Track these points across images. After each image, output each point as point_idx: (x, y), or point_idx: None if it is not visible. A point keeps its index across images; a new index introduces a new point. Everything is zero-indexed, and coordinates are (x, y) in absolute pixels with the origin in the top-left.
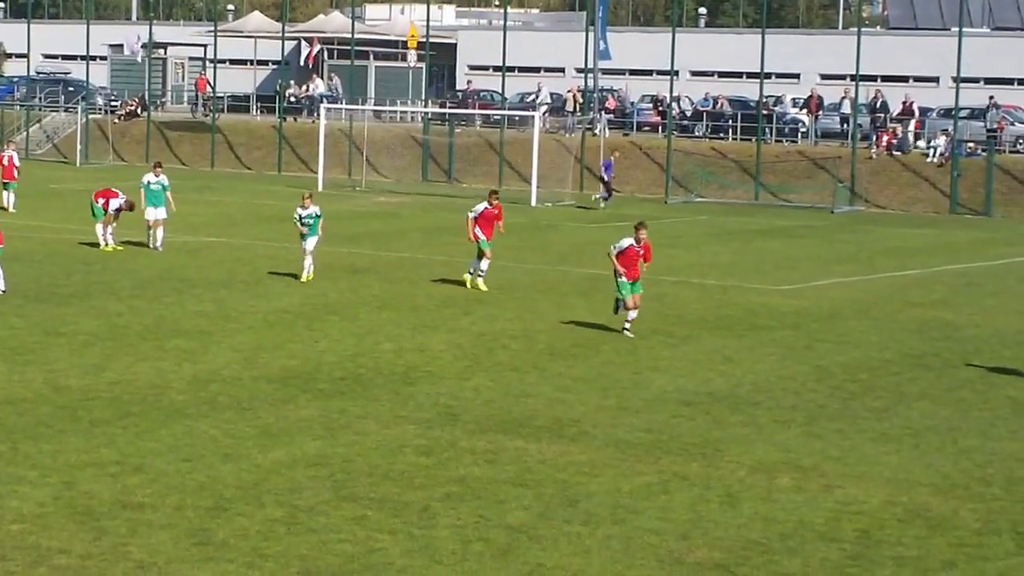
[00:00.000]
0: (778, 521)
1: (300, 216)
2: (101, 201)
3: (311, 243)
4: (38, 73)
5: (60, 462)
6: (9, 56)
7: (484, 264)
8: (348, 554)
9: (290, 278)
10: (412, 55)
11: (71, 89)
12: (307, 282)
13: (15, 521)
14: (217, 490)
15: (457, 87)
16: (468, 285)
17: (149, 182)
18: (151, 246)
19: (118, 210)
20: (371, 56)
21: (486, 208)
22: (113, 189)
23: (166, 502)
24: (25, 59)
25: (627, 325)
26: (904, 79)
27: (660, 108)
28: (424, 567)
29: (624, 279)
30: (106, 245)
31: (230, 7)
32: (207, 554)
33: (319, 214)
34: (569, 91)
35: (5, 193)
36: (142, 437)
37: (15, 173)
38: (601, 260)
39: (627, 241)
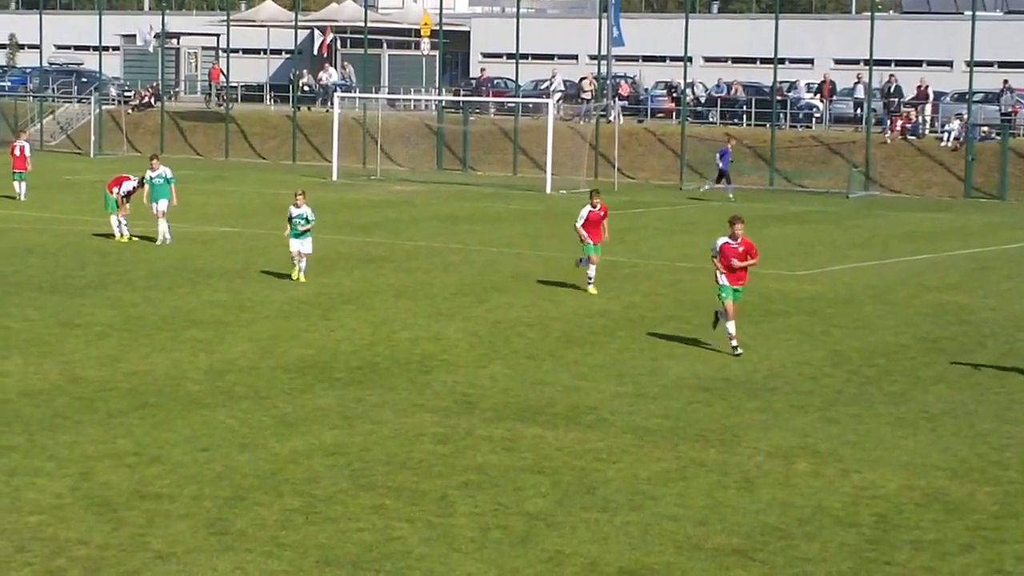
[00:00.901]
0: (796, 506)
1: (291, 215)
2: (115, 191)
3: (300, 245)
4: (51, 64)
5: (77, 453)
6: (22, 47)
7: (591, 270)
8: (366, 543)
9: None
10: (425, 43)
11: (84, 80)
12: (298, 281)
13: (33, 512)
14: (235, 480)
15: (471, 75)
16: (593, 292)
17: (151, 177)
18: (158, 241)
19: (129, 193)
20: (384, 44)
21: (591, 211)
22: (124, 175)
23: (184, 492)
24: (38, 50)
25: (734, 343)
26: (918, 63)
27: (674, 94)
28: (442, 555)
29: (726, 283)
30: (121, 236)
31: None
32: (225, 544)
33: (311, 218)
34: (583, 78)
35: (16, 183)
36: (159, 427)
37: (26, 164)
38: (616, 246)
39: (721, 240)
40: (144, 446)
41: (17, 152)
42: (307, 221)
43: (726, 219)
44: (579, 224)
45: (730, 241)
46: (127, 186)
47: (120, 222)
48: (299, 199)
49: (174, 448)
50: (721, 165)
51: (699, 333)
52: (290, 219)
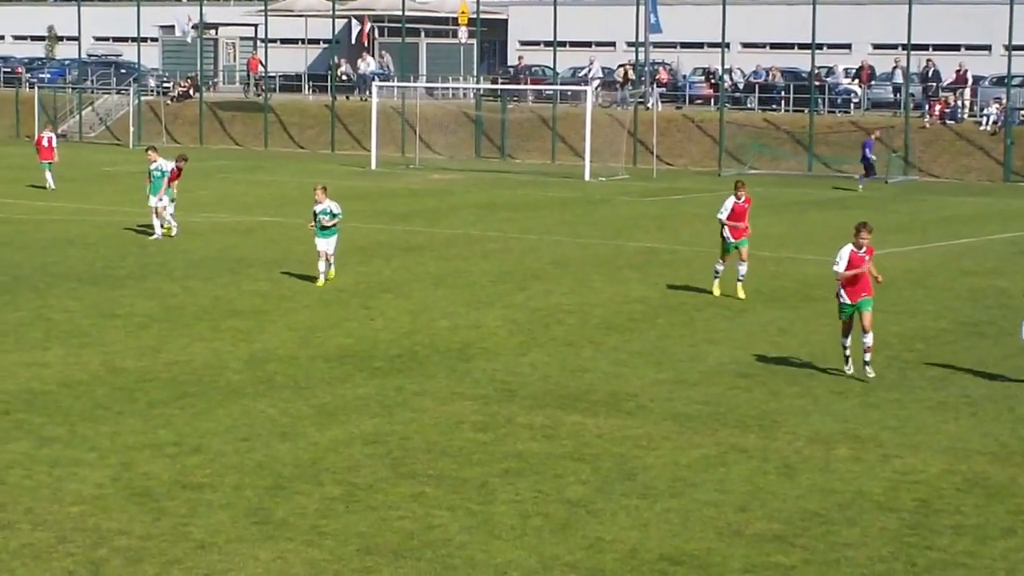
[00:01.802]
0: (836, 491)
1: (315, 211)
2: (174, 184)
3: (326, 244)
4: (89, 56)
5: (118, 444)
6: (60, 39)
7: (743, 268)
8: (407, 531)
9: (344, 257)
10: (463, 31)
11: (123, 71)
12: (323, 285)
13: (75, 503)
14: (275, 469)
15: (508, 63)
16: (716, 292)
17: (149, 169)
18: (151, 237)
19: (174, 174)
20: (422, 33)
21: (735, 203)
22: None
23: (225, 482)
24: (76, 42)
25: (866, 357)
26: (956, 47)
27: (712, 80)
28: (483, 543)
29: (846, 300)
30: (167, 229)
31: None
32: (266, 533)
33: (336, 211)
34: (620, 65)
35: (47, 173)
36: (199, 417)
37: (53, 154)
38: (655, 233)
39: (847, 248)
40: (184, 436)
41: (45, 143)
42: (332, 216)
43: (776, 206)
44: (723, 216)
45: (855, 250)
46: (169, 166)
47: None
48: (320, 194)
49: (215, 438)
50: (866, 156)
51: (739, 318)
52: (314, 215)
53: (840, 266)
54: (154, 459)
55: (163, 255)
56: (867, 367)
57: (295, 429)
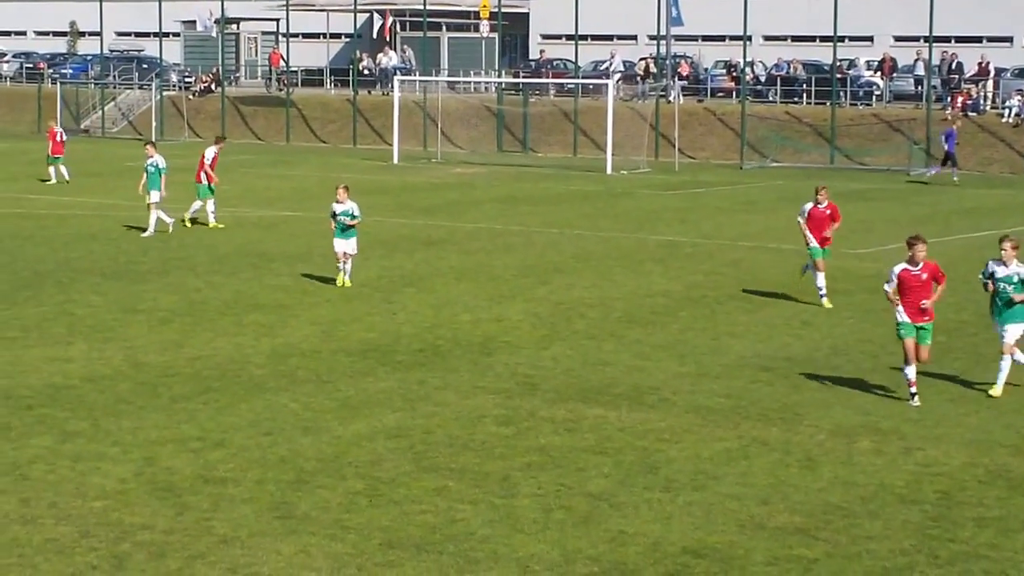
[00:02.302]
0: (858, 484)
1: (335, 212)
2: (203, 179)
3: (346, 244)
4: (111, 51)
5: (141, 438)
6: (82, 35)
7: (820, 279)
8: (430, 525)
9: (366, 251)
10: (485, 25)
11: (145, 66)
12: (344, 285)
13: (98, 498)
14: (298, 463)
15: (530, 56)
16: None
17: (146, 164)
18: (144, 233)
19: (214, 159)
20: (444, 27)
21: (812, 207)
22: (204, 159)
23: (248, 476)
24: (98, 37)
25: (912, 389)
26: (978, 39)
27: (733, 73)
28: (506, 536)
29: (905, 319)
30: (217, 222)
31: None
32: (290, 527)
33: (357, 214)
34: (642, 59)
35: (54, 167)
36: (222, 412)
37: (63, 148)
38: (677, 226)
39: (898, 267)
40: (207, 431)
41: (59, 138)
42: (353, 217)
43: (798, 198)
44: (801, 220)
45: (909, 267)
46: (210, 153)
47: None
48: (342, 193)
49: (237, 432)
50: (947, 147)
51: (761, 311)
52: (334, 216)
53: (889, 285)
54: (177, 454)
55: (186, 250)
56: (913, 400)
57: (318, 423)
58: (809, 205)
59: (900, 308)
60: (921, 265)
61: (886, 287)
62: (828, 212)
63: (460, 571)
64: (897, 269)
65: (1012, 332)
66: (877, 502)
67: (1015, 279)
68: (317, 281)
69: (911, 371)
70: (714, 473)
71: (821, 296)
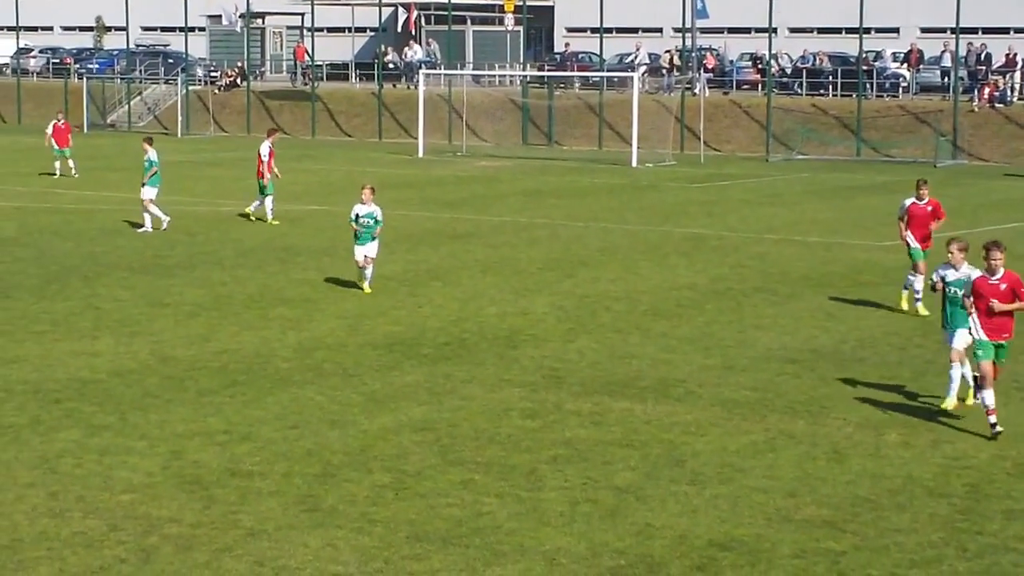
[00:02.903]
0: (886, 477)
1: (357, 215)
2: (265, 174)
3: (365, 250)
4: (137, 46)
5: (168, 432)
6: (108, 29)
7: (919, 283)
8: (456, 518)
9: (392, 245)
10: (509, 18)
11: (170, 61)
12: (366, 292)
13: (125, 491)
14: (324, 457)
15: (555, 49)
16: (906, 308)
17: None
18: (140, 229)
19: (270, 155)
20: (468, 21)
21: (912, 204)
22: (260, 156)
23: (274, 469)
24: (124, 32)
25: (992, 419)
26: (1005, 31)
27: (759, 66)
28: (532, 529)
29: (982, 335)
30: (273, 219)
31: None
32: (316, 520)
33: (380, 219)
34: (667, 51)
35: (61, 161)
36: (249, 406)
37: (69, 139)
38: (702, 219)
39: (976, 273)
40: (234, 424)
41: (62, 127)
42: (376, 223)
43: (812, 190)
44: (902, 220)
45: (987, 275)
46: (265, 148)
47: (257, 205)
48: (367, 194)
49: (264, 426)
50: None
51: (787, 304)
52: (356, 218)
53: (966, 291)
54: (204, 447)
55: (212, 244)
56: (994, 430)
57: (344, 417)
58: (909, 201)
59: (977, 323)
60: (1000, 274)
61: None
62: (930, 209)
63: (486, 564)
64: (974, 276)
65: (961, 338)
66: (905, 495)
67: (964, 282)
68: (343, 274)
69: (990, 396)
70: (741, 466)
71: (916, 301)
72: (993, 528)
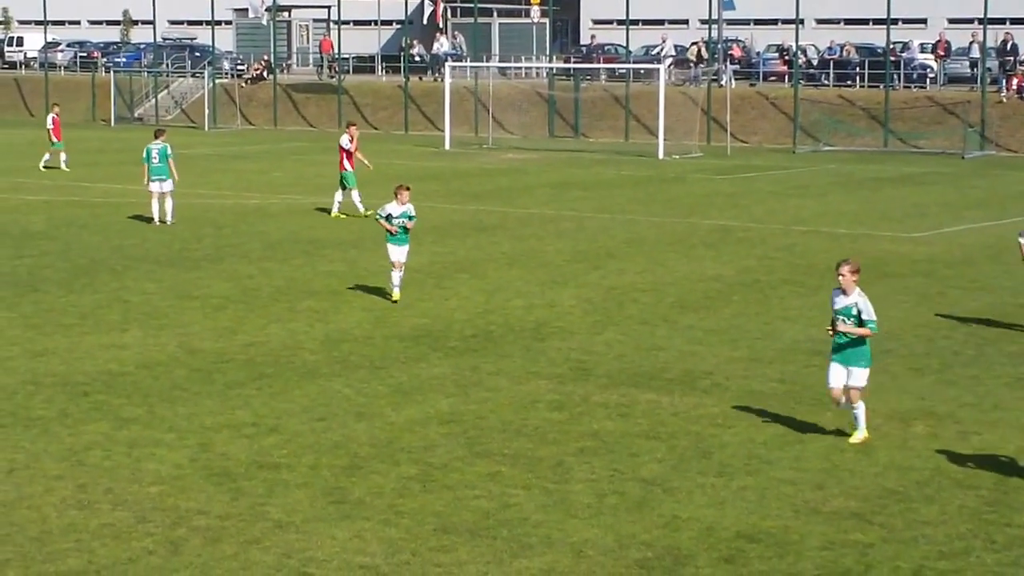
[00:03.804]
0: (914, 469)
1: (390, 214)
2: (347, 166)
3: (400, 252)
4: (164, 39)
5: (196, 424)
6: (135, 23)
7: None
8: (483, 510)
9: (419, 237)
10: (535, 11)
11: (197, 54)
12: (396, 300)
13: (153, 483)
14: (352, 449)
15: (581, 42)
16: None
17: (150, 150)
18: (157, 220)
19: (349, 148)
20: (494, 13)
21: None
22: (343, 147)
23: (302, 462)
24: (151, 26)
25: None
26: None
27: (786, 57)
28: (559, 521)
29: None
30: (339, 212)
31: None
32: (343, 512)
33: (414, 214)
34: (693, 43)
35: (51, 153)
36: (276, 398)
37: (60, 132)
38: (729, 211)
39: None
40: (262, 416)
41: (50, 123)
42: (411, 219)
43: (840, 181)
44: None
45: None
46: (345, 141)
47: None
48: (403, 194)
49: (291, 418)
50: None
51: (814, 296)
52: (388, 217)
53: None
54: (232, 439)
55: (238, 237)
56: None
57: (371, 409)
58: None
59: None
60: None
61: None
62: None
63: (513, 556)
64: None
65: (858, 377)
66: (933, 487)
67: (853, 311)
68: (370, 267)
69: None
70: (768, 458)
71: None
72: (1021, 520)
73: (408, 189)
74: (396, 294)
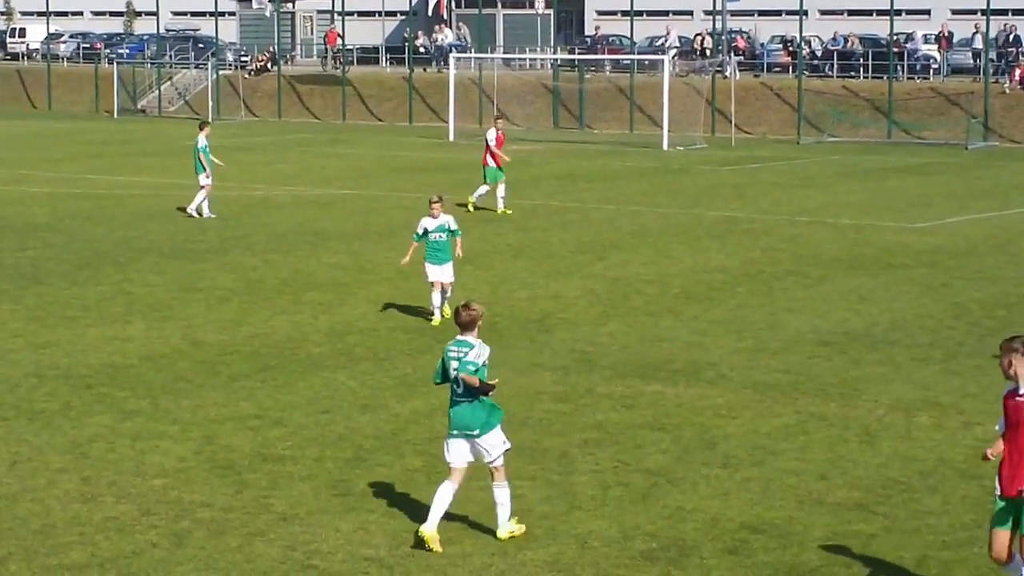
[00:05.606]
0: (917, 459)
1: (427, 230)
2: (491, 162)
3: (441, 272)
4: (167, 31)
5: (200, 417)
6: (139, 14)
7: None
8: (488, 502)
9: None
10: (540, 1)
11: (201, 46)
12: (440, 322)
13: (157, 476)
14: (356, 441)
15: (586, 33)
16: None
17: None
18: (191, 212)
19: (497, 140)
20: (499, 4)
21: None
22: (490, 145)
23: (306, 454)
24: (154, 17)
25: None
26: None
27: (790, 48)
28: (564, 512)
29: (999, 490)
30: (505, 208)
31: None
32: (348, 504)
33: (455, 227)
34: (698, 34)
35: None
36: (280, 390)
37: None
38: (734, 202)
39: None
40: (266, 409)
41: None
42: (451, 233)
43: (844, 172)
44: None
45: (1011, 392)
46: (492, 135)
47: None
48: (437, 208)
49: (296, 410)
50: None
51: (819, 286)
52: (424, 233)
53: (999, 424)
54: (236, 432)
55: (243, 229)
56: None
57: (376, 401)
58: None
59: (999, 474)
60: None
61: (997, 428)
62: None
63: (518, 547)
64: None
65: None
66: (936, 477)
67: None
68: (375, 259)
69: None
70: (772, 449)
71: None
72: None
73: (440, 200)
74: (436, 318)
